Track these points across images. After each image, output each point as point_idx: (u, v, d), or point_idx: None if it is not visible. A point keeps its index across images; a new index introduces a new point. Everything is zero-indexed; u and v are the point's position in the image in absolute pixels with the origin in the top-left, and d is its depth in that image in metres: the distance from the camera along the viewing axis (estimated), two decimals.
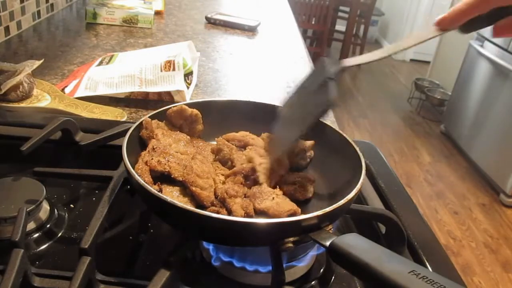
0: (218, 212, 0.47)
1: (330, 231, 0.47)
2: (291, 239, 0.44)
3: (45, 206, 0.56)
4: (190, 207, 0.44)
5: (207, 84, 1.05)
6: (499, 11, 0.46)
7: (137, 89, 0.90)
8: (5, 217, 0.50)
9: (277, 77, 1.15)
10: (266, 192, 0.50)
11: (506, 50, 2.62)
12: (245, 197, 0.50)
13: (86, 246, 0.44)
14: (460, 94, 3.12)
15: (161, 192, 0.48)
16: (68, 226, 0.56)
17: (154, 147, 0.52)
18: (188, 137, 0.60)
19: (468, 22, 0.47)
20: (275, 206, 0.48)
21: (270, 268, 0.47)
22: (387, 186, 0.65)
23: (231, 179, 0.53)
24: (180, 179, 0.49)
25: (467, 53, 3.07)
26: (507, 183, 2.52)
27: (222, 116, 0.64)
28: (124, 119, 0.80)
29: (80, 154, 0.64)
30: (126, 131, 0.55)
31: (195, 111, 0.60)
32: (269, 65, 1.26)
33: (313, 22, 4.04)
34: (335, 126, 0.64)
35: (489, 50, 2.79)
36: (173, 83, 0.91)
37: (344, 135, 0.59)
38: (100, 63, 1.01)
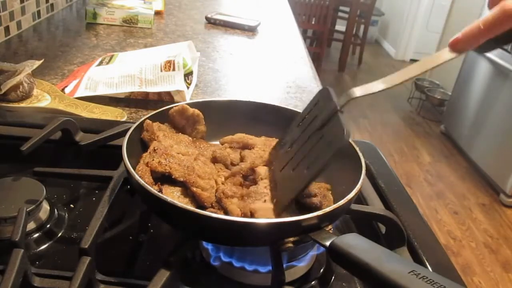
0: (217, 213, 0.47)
1: (330, 231, 0.47)
2: (291, 239, 0.44)
3: (45, 206, 0.56)
4: (189, 207, 0.44)
5: (207, 84, 1.05)
6: None
7: (137, 89, 0.90)
8: (5, 217, 0.50)
9: (277, 77, 1.15)
10: (260, 193, 0.49)
11: (506, 50, 2.62)
12: (242, 198, 0.50)
13: (86, 246, 0.44)
14: (460, 94, 3.12)
15: (161, 193, 0.48)
16: (68, 226, 0.56)
17: (156, 148, 0.52)
18: (190, 138, 0.59)
19: (484, 43, 0.44)
20: (263, 212, 0.47)
21: (270, 268, 0.47)
22: (387, 186, 0.65)
23: (230, 179, 0.53)
24: (181, 179, 0.49)
25: (467, 53, 3.06)
26: (507, 183, 2.52)
27: (222, 116, 0.64)
28: (124, 119, 0.80)
29: (80, 154, 0.64)
30: (126, 131, 0.54)
31: (197, 111, 0.60)
32: (269, 65, 1.26)
33: (313, 22, 4.04)
34: None
35: None
36: (173, 83, 0.91)
37: None
38: (100, 63, 1.01)
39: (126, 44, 1.25)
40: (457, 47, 0.45)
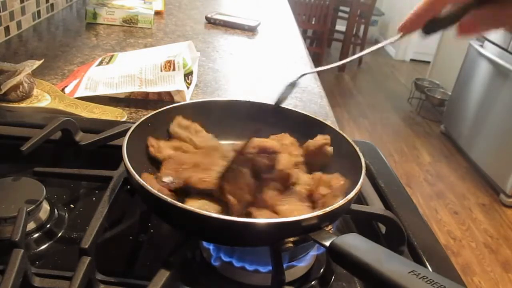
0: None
1: (330, 231, 0.47)
2: (291, 239, 0.44)
3: (45, 206, 0.56)
4: (190, 207, 0.44)
5: (207, 84, 1.05)
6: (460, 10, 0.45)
7: (137, 89, 0.90)
8: (5, 217, 0.50)
9: (277, 77, 1.15)
10: (286, 199, 0.50)
11: (506, 50, 2.62)
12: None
13: (86, 246, 0.44)
14: (460, 94, 3.12)
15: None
16: (68, 226, 0.56)
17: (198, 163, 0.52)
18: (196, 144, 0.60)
19: (428, 24, 0.46)
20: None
21: (270, 268, 0.47)
22: (387, 186, 0.65)
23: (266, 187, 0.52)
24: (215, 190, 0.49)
25: (467, 53, 3.07)
26: (507, 183, 2.52)
27: (222, 116, 0.64)
28: (124, 119, 0.80)
29: (80, 154, 0.64)
30: (126, 131, 0.54)
31: (194, 123, 0.61)
32: (269, 65, 1.26)
33: (313, 22, 4.04)
34: (335, 126, 0.65)
35: (489, 50, 2.79)
36: (173, 83, 0.91)
37: (344, 135, 0.59)
38: (100, 63, 1.01)
39: (126, 44, 1.25)
40: (405, 29, 0.48)
